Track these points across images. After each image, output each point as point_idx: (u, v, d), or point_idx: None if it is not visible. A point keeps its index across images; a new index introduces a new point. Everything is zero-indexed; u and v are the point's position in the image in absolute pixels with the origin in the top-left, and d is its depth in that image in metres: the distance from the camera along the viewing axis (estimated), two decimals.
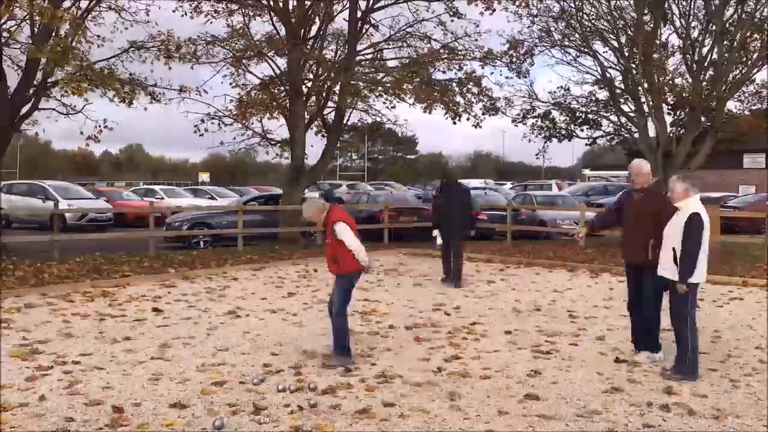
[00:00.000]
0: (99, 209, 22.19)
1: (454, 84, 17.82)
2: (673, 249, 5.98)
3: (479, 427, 4.84)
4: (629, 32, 17.91)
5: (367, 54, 18.70)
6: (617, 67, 18.46)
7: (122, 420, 4.85)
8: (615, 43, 18.15)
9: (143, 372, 6.04)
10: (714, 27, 17.24)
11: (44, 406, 5.14)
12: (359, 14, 18.02)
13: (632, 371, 6.23)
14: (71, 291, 10.23)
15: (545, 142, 20.10)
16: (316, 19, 18.21)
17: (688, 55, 17.88)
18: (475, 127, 18.35)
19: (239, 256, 14.41)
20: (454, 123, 17.88)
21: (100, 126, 14.60)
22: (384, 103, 18.42)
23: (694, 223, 5.94)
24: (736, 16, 17.24)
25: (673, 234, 6.03)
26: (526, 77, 18.74)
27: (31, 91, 14.12)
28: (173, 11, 17.22)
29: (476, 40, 18.05)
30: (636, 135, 18.43)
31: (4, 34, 13.83)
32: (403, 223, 19.12)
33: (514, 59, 18.15)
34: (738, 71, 17.76)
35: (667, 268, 6.05)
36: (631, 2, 17.75)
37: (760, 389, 5.72)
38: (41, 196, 22.22)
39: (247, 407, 5.16)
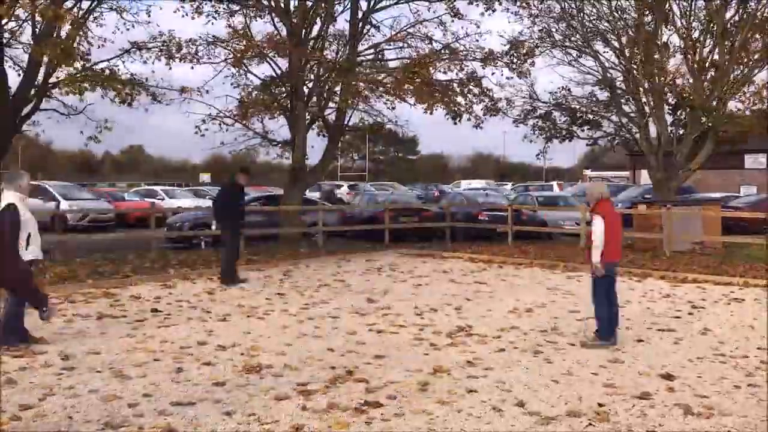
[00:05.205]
0: (100, 210, 22.21)
1: (455, 84, 17.81)
2: None
3: (481, 427, 4.84)
4: (630, 33, 17.93)
5: (369, 54, 18.71)
6: (618, 68, 18.47)
7: (123, 420, 4.85)
8: (616, 44, 18.18)
9: (143, 372, 6.05)
10: (715, 27, 17.24)
11: (45, 406, 5.14)
12: (360, 15, 18.04)
13: (634, 371, 6.23)
14: (73, 291, 10.24)
15: (546, 143, 20.10)
16: (318, 20, 18.23)
17: (689, 56, 17.88)
18: (476, 127, 18.36)
19: (240, 257, 14.38)
20: (455, 123, 17.87)
21: (100, 126, 14.65)
22: (385, 103, 18.43)
23: None
24: (737, 16, 17.25)
25: None
26: (527, 78, 18.76)
27: (32, 92, 14.14)
28: (174, 12, 17.25)
29: (477, 40, 18.08)
30: (637, 135, 18.44)
31: (6, 34, 13.85)
32: (404, 223, 19.12)
33: (515, 60, 18.14)
34: (739, 71, 17.76)
35: None
36: (632, 3, 17.76)
37: (761, 389, 5.71)
38: (43, 196, 22.24)
39: (246, 407, 5.16)
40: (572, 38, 18.79)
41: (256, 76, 18.64)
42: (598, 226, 7.10)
